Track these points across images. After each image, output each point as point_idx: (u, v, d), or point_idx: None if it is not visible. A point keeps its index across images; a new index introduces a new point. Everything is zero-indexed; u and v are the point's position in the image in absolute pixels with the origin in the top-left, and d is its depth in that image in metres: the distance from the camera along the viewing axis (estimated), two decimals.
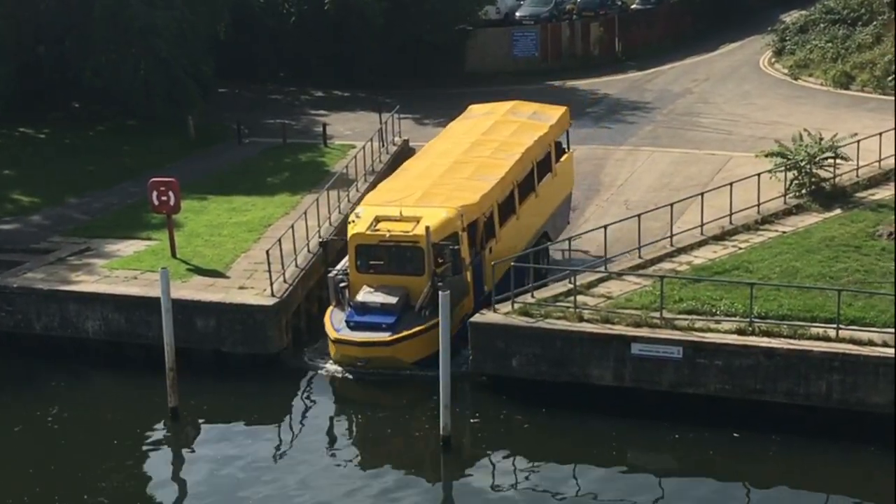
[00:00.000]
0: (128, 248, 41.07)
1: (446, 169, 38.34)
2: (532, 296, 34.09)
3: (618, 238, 38.14)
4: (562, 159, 42.96)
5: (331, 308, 35.32)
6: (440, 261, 34.27)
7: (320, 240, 37.24)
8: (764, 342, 31.10)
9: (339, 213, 41.90)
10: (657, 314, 32.35)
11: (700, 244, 37.84)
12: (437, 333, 31.78)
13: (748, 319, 31.78)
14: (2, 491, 29.53)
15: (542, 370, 32.70)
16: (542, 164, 40.89)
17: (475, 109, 46.13)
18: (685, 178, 46.58)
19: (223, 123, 57.44)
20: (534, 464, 30.11)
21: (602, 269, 35.87)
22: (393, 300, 34.06)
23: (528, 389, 32.73)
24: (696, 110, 57.83)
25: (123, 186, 48.39)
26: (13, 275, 38.68)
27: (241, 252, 39.91)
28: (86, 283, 37.74)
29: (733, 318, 32.12)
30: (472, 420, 32.15)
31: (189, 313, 35.39)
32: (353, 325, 34.05)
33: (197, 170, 50.08)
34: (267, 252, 37.23)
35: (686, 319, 32.27)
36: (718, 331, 31.79)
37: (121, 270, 38.70)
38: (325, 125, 55.16)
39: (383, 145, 50.69)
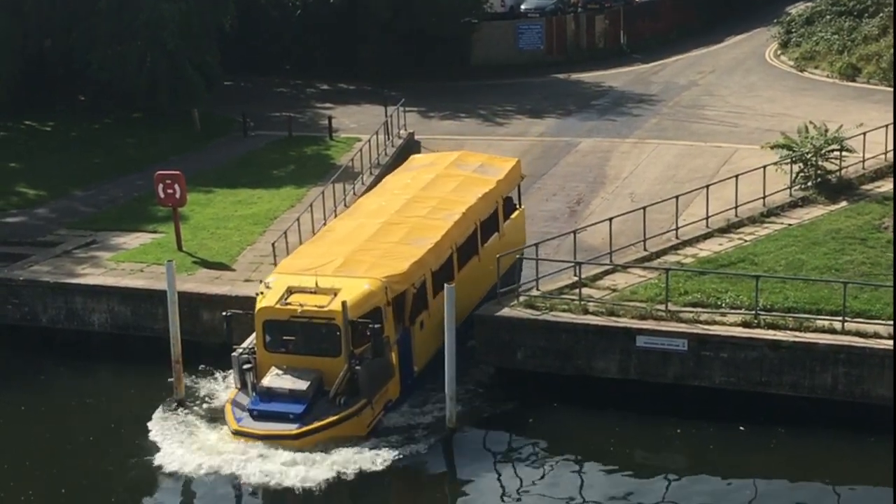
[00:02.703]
0: (134, 240, 41.16)
1: (375, 231, 34.16)
2: (537, 288, 34.10)
3: (623, 231, 38.11)
4: (512, 217, 39.02)
5: (234, 392, 31.18)
6: (370, 338, 30.20)
7: (224, 313, 32.45)
8: (769, 335, 31.11)
9: (345, 206, 41.91)
10: (662, 307, 32.36)
11: (705, 237, 37.86)
12: (354, 424, 29.71)
13: (753, 312, 31.77)
14: (7, 482, 29.56)
15: (547, 363, 32.70)
16: (488, 224, 36.88)
17: (416, 160, 42.03)
18: (690, 171, 46.56)
19: (228, 116, 57.54)
20: (538, 456, 30.12)
21: (607, 261, 35.88)
22: (303, 385, 29.98)
23: (533, 382, 32.75)
24: (702, 102, 57.78)
25: (129, 179, 48.53)
26: (19, 267, 38.77)
27: (246, 245, 40.00)
28: (92, 276, 37.84)
29: (739, 311, 32.11)
30: (476, 412, 32.12)
31: (195, 306, 35.41)
32: (257, 415, 29.86)
33: (202, 162, 50.24)
34: (273, 245, 37.37)
35: (691, 312, 32.28)
36: (724, 323, 31.80)
37: (127, 263, 38.79)
38: (330, 118, 55.25)
39: (389, 138, 50.75)
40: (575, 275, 34.23)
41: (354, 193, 43.78)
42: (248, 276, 36.83)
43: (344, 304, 29.80)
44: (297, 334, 30.69)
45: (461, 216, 35.26)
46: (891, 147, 42.95)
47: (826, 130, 42.11)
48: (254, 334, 31.43)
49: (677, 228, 38.16)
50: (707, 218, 38.64)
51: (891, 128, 43.20)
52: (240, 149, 53.00)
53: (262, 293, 31.34)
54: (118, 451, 30.26)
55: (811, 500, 28.04)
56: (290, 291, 30.94)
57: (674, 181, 45.49)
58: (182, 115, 55.76)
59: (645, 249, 36.88)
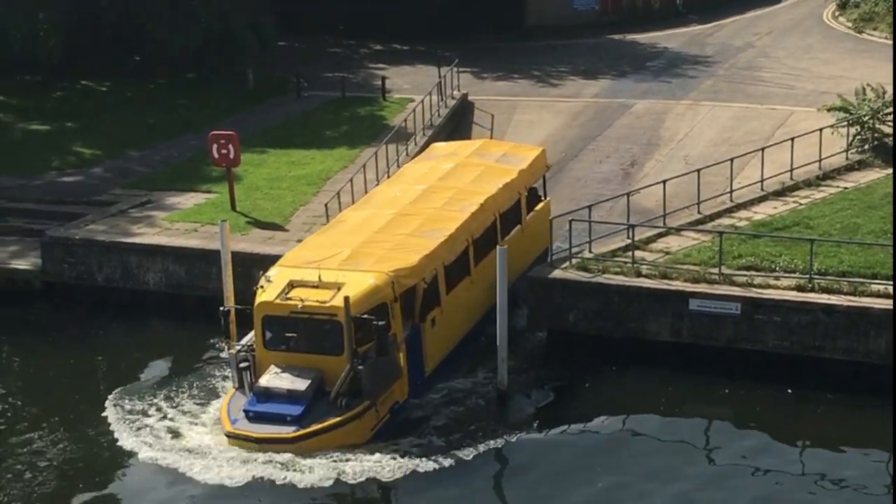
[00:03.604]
0: (188, 200, 41.45)
1: (386, 222, 32.36)
2: (590, 250, 34.02)
3: (677, 193, 37.94)
4: (536, 209, 37.09)
5: (231, 392, 29.60)
6: (375, 336, 28.27)
7: (221, 308, 30.68)
8: (823, 299, 30.90)
9: (398, 166, 41.94)
10: (716, 270, 32.21)
11: (760, 200, 37.64)
12: (356, 428, 28.07)
13: (808, 276, 31.56)
14: (62, 434, 29.83)
15: (600, 325, 32.66)
16: (509, 216, 35.02)
17: (437, 149, 39.88)
18: (746, 133, 46.21)
19: (282, 76, 57.59)
20: (589, 419, 30.06)
21: (661, 224, 35.73)
22: (302, 386, 28.30)
23: (585, 345, 32.72)
24: (758, 64, 57.23)
25: (183, 139, 48.82)
26: (75, 227, 39.13)
27: (299, 205, 40.18)
28: (147, 236, 38.16)
29: (793, 275, 31.91)
30: (528, 374, 32.14)
31: (248, 266, 35.58)
32: (253, 416, 28.18)
33: (256, 123, 50.42)
34: (326, 205, 37.48)
35: (745, 275, 32.11)
36: (777, 287, 31.62)
37: (181, 223, 39.07)
38: (383, 78, 55.23)
39: (442, 99, 50.67)
40: (628, 237, 34.12)
41: (407, 154, 43.84)
42: (301, 237, 36.90)
43: (346, 299, 27.99)
44: (298, 331, 29.04)
45: (479, 207, 33.55)
46: None
47: (884, 93, 41.68)
48: (253, 331, 29.88)
49: (732, 191, 37.94)
50: (762, 181, 38.40)
51: None
52: (293, 109, 53.13)
53: (262, 287, 29.74)
54: (172, 410, 30.43)
55: (856, 465, 27.86)
56: (292, 286, 29.35)
57: (729, 143, 45.19)
58: (236, 76, 55.95)
59: (699, 212, 36.71)
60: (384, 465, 27.44)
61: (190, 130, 49.60)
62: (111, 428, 29.62)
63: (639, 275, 32.66)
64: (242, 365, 29.34)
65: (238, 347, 29.89)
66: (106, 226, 39.17)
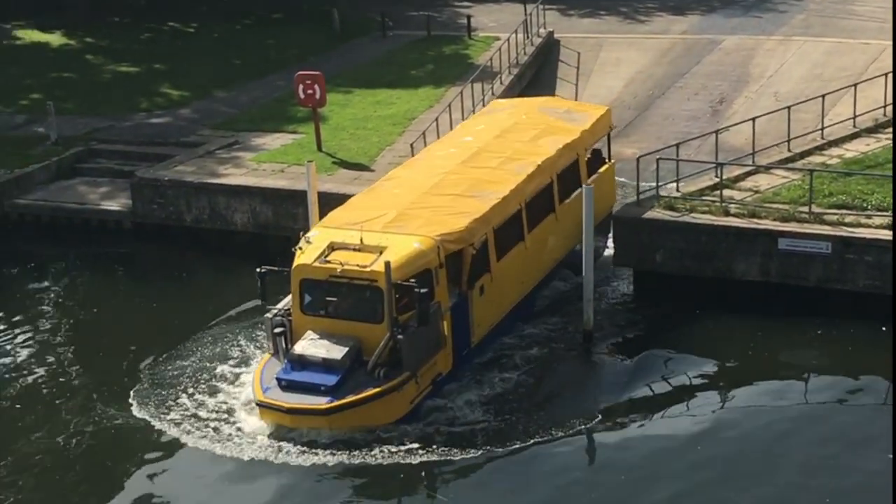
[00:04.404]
0: (274, 141, 41.65)
1: (436, 182, 30.63)
2: (677, 189, 33.70)
3: (766, 131, 37.42)
4: (599, 171, 34.95)
5: (266, 358, 28.16)
6: (418, 304, 26.58)
7: (259, 269, 29.08)
8: None
9: (483, 104, 41.76)
10: (806, 209, 31.76)
11: (852, 137, 37.03)
12: (393, 400, 26.54)
13: None
14: (134, 375, 29.97)
15: (687, 265, 32.38)
16: (569, 178, 32.96)
17: (498, 105, 38.22)
18: (838, 69, 45.39)
19: (368, 16, 57.58)
20: (675, 358, 29.94)
21: (749, 162, 35.28)
22: (338, 354, 26.70)
23: (672, 284, 32.48)
24: None
25: (269, 80, 49.06)
26: (164, 168, 39.51)
27: (385, 145, 40.21)
28: (234, 176, 38.43)
29: (885, 213, 31.37)
30: (614, 314, 32.03)
31: (334, 206, 35.50)
32: (285, 385, 26.73)
33: (341, 63, 50.55)
34: (411, 145, 37.46)
35: (836, 214, 31.63)
36: (869, 226, 31.11)
37: (268, 164, 39.30)
38: (469, 17, 55.04)
39: (528, 37, 50.31)
40: (716, 176, 33.76)
41: (493, 93, 43.62)
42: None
43: (387, 264, 26.47)
44: (337, 296, 27.49)
45: (535, 169, 31.58)
46: None
47: None
48: (290, 295, 28.42)
49: (823, 128, 37.34)
50: (854, 117, 37.74)
51: None
52: (378, 49, 53.14)
53: (300, 248, 28.31)
54: (256, 349, 30.74)
55: None
56: (332, 248, 27.77)
57: (820, 80, 44.46)
58: (322, 16, 56.03)
59: (789, 150, 36.20)
60: (469, 425, 27.07)
61: (275, 71, 49.85)
62: (185, 373, 29.68)
63: (727, 214, 32.30)
64: (277, 330, 27.96)
65: (274, 311, 28.55)
66: (194, 167, 39.51)
